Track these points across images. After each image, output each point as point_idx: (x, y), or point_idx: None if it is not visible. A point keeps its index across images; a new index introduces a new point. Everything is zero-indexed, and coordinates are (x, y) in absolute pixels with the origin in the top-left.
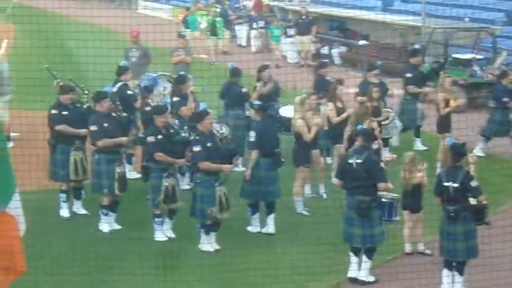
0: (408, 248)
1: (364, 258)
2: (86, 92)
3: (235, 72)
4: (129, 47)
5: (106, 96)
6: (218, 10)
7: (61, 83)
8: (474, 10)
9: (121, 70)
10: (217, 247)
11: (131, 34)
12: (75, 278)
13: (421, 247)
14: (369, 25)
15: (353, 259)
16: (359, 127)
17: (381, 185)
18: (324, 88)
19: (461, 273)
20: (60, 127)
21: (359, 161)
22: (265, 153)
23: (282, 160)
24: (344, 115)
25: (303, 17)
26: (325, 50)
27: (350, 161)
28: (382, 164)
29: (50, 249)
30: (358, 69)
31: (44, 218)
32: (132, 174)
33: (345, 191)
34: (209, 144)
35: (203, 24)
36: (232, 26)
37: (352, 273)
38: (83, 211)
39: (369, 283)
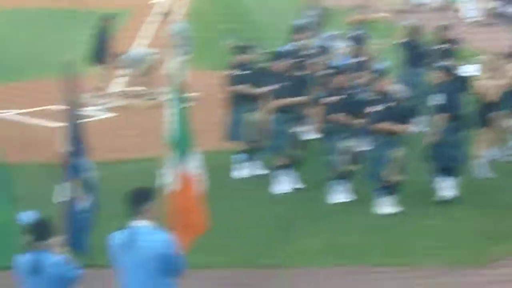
0: None
1: None
2: (263, 51)
3: (414, 30)
4: (306, 6)
5: (283, 56)
6: None
7: (239, 43)
8: None
9: (298, 29)
10: (395, 209)
11: None
12: (250, 239)
13: None
14: None
15: None
16: None
17: None
18: None
19: None
20: (237, 87)
21: None
22: (451, 115)
23: (468, 122)
24: None
25: None
26: (507, 7)
27: None
28: None
29: (227, 209)
30: None
31: (221, 178)
32: (309, 134)
33: None
34: (386, 105)
35: None
36: None
37: None
38: (260, 172)
39: None
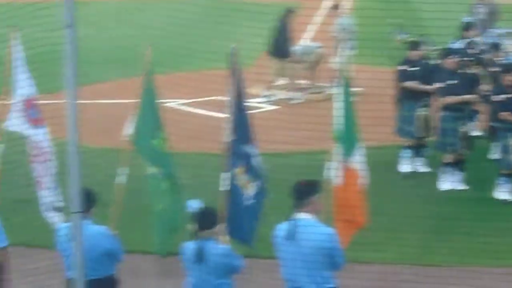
0: None
1: None
2: (435, 48)
3: None
4: (476, 2)
5: (453, 53)
6: None
7: (409, 39)
8: None
9: (467, 26)
10: None
11: None
12: (409, 236)
13: None
14: None
15: None
16: None
17: None
18: None
19: None
20: (408, 84)
21: None
22: None
23: None
24: None
25: None
26: None
27: None
28: None
29: (388, 205)
30: None
31: (384, 173)
32: (476, 132)
33: None
34: None
35: None
36: None
37: None
38: (424, 169)
39: None
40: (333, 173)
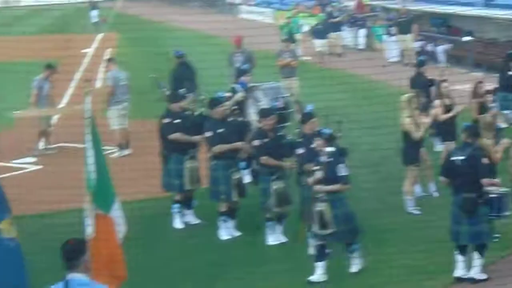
0: None
1: (475, 255)
2: (201, 98)
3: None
4: (233, 51)
5: (220, 102)
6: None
7: (168, 92)
8: None
9: (240, 73)
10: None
11: (234, 39)
12: (180, 286)
13: None
14: (473, 21)
15: (459, 258)
16: (464, 124)
17: (485, 181)
18: (421, 86)
19: None
20: (173, 136)
21: (462, 158)
22: None
23: None
24: (452, 113)
25: (404, 15)
26: (429, 47)
27: (454, 158)
28: (485, 160)
29: (158, 257)
30: (463, 66)
31: (155, 226)
32: (248, 178)
33: (451, 189)
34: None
35: (306, 27)
36: (338, 28)
37: (458, 272)
38: (195, 221)
39: (480, 280)
40: (90, 228)
